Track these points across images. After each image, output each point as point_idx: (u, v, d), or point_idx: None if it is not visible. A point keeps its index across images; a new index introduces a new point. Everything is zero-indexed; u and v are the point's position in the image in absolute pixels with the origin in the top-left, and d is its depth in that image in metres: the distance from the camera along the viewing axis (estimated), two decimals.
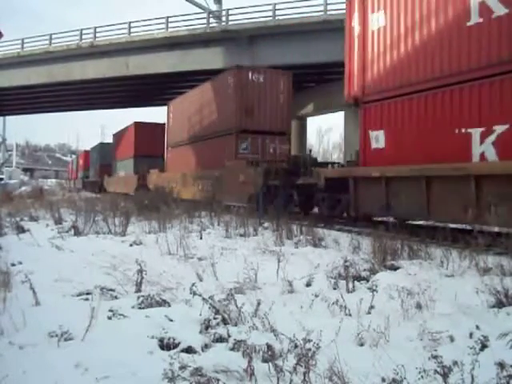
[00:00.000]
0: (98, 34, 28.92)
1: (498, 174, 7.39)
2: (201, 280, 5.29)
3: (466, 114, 8.14)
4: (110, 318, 3.86)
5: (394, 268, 5.86)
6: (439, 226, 7.91)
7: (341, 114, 27.93)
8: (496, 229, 7.30)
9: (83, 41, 29.21)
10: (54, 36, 30.54)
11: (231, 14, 25.97)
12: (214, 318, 3.70)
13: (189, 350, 3.25)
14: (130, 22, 27.89)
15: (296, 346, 2.90)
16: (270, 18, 24.08)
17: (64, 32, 31.01)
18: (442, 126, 8.58)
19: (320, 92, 26.85)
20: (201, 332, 3.59)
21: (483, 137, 7.83)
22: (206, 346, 3.34)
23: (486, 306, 4.21)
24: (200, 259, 6.69)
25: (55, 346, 3.29)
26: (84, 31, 29.49)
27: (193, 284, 4.06)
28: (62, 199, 18.99)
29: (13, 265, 5.79)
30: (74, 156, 75.76)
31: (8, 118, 53.19)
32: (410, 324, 3.79)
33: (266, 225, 10.90)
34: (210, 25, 26.22)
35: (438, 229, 7.53)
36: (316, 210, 13.43)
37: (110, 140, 42.46)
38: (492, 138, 7.70)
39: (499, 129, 7.59)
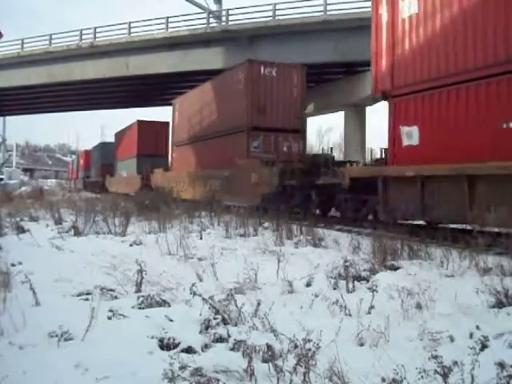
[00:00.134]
0: (98, 34, 28.92)
1: None
2: (201, 280, 5.29)
3: None
4: (109, 318, 3.86)
5: (394, 268, 5.86)
6: (439, 226, 7.90)
7: (341, 114, 27.95)
8: (496, 229, 7.29)
9: (83, 41, 29.20)
10: (53, 36, 30.55)
11: (231, 14, 25.98)
12: (214, 318, 3.70)
13: (189, 350, 3.25)
14: (130, 22, 27.89)
15: (296, 346, 2.90)
16: (270, 18, 24.08)
17: (64, 32, 31.08)
18: (486, 120, 7.88)
19: (320, 92, 26.83)
20: (201, 332, 3.59)
21: None
22: (206, 346, 3.34)
23: (486, 306, 4.21)
24: (200, 259, 6.69)
25: (55, 346, 3.29)
26: (84, 31, 29.51)
27: (193, 284, 4.06)
28: (61, 199, 18.98)
29: (13, 265, 5.79)
30: (73, 156, 75.74)
31: (8, 118, 53.23)
32: (410, 324, 3.79)
33: (265, 225, 10.90)
34: (210, 25, 26.22)
35: (438, 229, 7.53)
36: (333, 212, 12.94)
37: (109, 140, 42.37)
38: None
39: None
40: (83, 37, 29.35)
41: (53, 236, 8.96)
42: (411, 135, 9.37)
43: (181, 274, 5.64)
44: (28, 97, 36.25)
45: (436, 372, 2.47)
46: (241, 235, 9.63)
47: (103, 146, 41.30)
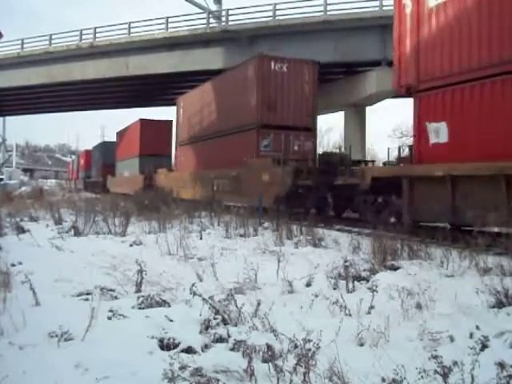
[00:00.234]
0: (97, 35, 28.93)
1: None
2: (201, 280, 5.30)
3: None
4: (109, 318, 3.86)
5: (394, 268, 5.86)
6: (439, 226, 7.89)
7: (341, 114, 27.92)
8: (496, 229, 7.29)
9: (83, 41, 29.22)
10: (53, 36, 30.56)
11: (231, 14, 25.98)
12: (214, 319, 3.70)
13: (189, 351, 3.25)
14: (130, 23, 27.90)
15: (296, 346, 2.91)
16: (271, 18, 24.08)
17: (64, 32, 31.11)
18: None
19: (320, 92, 26.71)
20: (201, 332, 3.59)
21: None
22: (206, 347, 3.34)
23: (486, 306, 4.21)
24: (200, 259, 6.69)
25: (55, 346, 3.29)
26: (84, 31, 29.53)
27: (193, 284, 4.06)
28: (61, 199, 18.97)
29: (13, 265, 5.79)
30: (73, 156, 75.71)
31: (8, 118, 53.15)
32: (410, 324, 3.79)
33: (265, 225, 10.91)
34: (210, 25, 26.22)
35: (438, 229, 7.53)
36: (347, 213, 12.50)
37: (110, 140, 42.18)
38: None
39: None
40: (83, 37, 29.38)
41: (53, 236, 8.96)
42: (439, 132, 8.85)
43: (181, 274, 5.65)
44: (28, 97, 36.26)
45: (436, 372, 2.47)
46: (241, 235, 9.63)
47: (104, 145, 40.91)
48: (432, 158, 8.96)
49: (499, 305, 4.17)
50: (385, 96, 23.91)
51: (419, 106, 9.36)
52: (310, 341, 2.76)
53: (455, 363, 2.47)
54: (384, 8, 21.44)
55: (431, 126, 9.03)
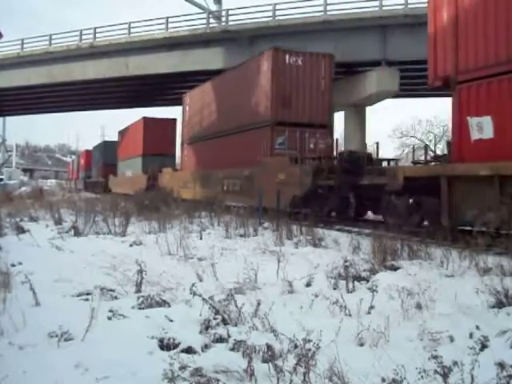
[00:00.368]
0: (97, 35, 28.93)
1: None
2: (201, 280, 5.29)
3: None
4: (109, 319, 3.86)
5: (394, 268, 5.86)
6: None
7: (341, 114, 27.92)
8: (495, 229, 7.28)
9: (83, 41, 29.22)
10: (53, 36, 30.57)
11: (231, 15, 25.99)
12: (214, 319, 3.70)
13: (189, 351, 3.25)
14: (130, 23, 27.90)
15: (296, 347, 2.90)
16: (271, 18, 24.09)
17: (64, 32, 31.12)
18: None
19: None
20: (201, 332, 3.59)
21: None
22: (205, 347, 3.34)
23: (486, 306, 4.21)
24: (200, 259, 6.69)
25: (55, 347, 3.29)
26: (84, 31, 29.54)
27: (193, 284, 4.06)
28: (61, 200, 18.97)
29: (13, 265, 5.79)
30: (73, 156, 75.68)
31: (8, 118, 53.19)
32: (410, 324, 3.79)
33: (265, 225, 10.91)
34: (210, 25, 26.23)
35: (438, 229, 7.52)
36: (367, 215, 11.90)
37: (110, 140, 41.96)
38: None
39: None
40: (83, 37, 29.38)
41: (53, 236, 8.96)
42: (482, 127, 8.15)
43: (181, 274, 5.65)
44: (28, 97, 36.26)
45: (436, 372, 2.47)
46: (241, 235, 9.64)
47: (106, 144, 40.21)
48: (475, 156, 8.26)
49: (499, 305, 4.17)
50: (385, 96, 23.94)
51: (459, 98, 8.56)
52: (309, 341, 2.76)
53: (455, 363, 2.47)
54: (384, 8, 21.48)
55: (473, 121, 8.33)
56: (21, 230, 9.34)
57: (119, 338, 3.37)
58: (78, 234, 9.43)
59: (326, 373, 2.67)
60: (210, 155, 19.02)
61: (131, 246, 8.17)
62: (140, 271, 4.83)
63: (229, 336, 3.42)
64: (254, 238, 9.30)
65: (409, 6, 20.82)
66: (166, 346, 3.32)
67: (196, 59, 25.62)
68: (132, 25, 27.84)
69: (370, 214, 12.33)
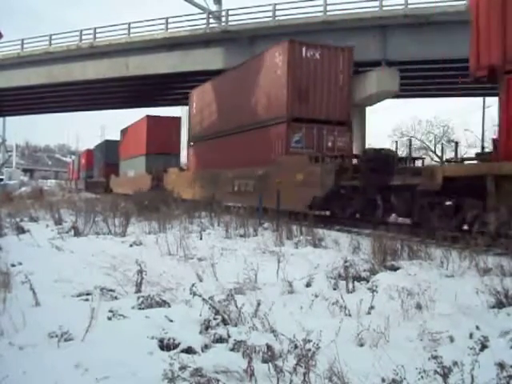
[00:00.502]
0: (97, 35, 28.91)
1: None
2: (201, 280, 5.29)
3: None
4: (109, 319, 3.86)
5: (394, 268, 5.86)
6: (438, 226, 7.85)
7: None
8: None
9: (83, 41, 29.20)
10: (53, 36, 30.54)
11: (231, 15, 25.96)
12: (214, 319, 3.70)
13: (189, 351, 3.25)
14: (130, 23, 27.86)
15: (296, 347, 2.91)
16: (271, 19, 24.08)
17: (64, 33, 31.09)
18: None
19: None
20: (201, 332, 3.59)
21: None
22: (206, 347, 3.34)
23: (486, 306, 4.21)
24: (200, 260, 6.69)
25: (55, 347, 3.29)
26: (84, 32, 29.50)
27: (193, 284, 4.06)
28: (61, 200, 18.97)
29: (13, 265, 5.79)
30: (73, 156, 75.67)
31: (8, 118, 53.16)
32: (410, 324, 3.79)
33: (265, 225, 10.91)
34: (210, 25, 26.22)
35: (438, 229, 7.52)
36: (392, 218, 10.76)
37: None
38: None
39: None
40: (83, 37, 29.36)
41: (53, 236, 8.96)
42: None
43: (181, 275, 5.64)
44: (28, 97, 36.25)
45: (436, 372, 2.47)
46: (241, 235, 9.64)
47: (108, 144, 39.49)
48: None
49: (499, 305, 4.17)
50: (385, 96, 23.89)
51: (507, 90, 7.69)
52: (309, 341, 2.76)
53: (455, 363, 2.47)
54: (384, 8, 21.46)
55: None
56: (21, 230, 9.34)
57: (119, 338, 3.37)
58: (78, 234, 9.43)
59: (326, 373, 2.67)
60: (218, 154, 18.25)
61: (131, 246, 8.16)
62: (140, 271, 4.83)
63: (229, 336, 3.42)
64: (254, 238, 9.30)
65: (409, 6, 20.81)
66: (166, 346, 3.32)
67: (196, 59, 25.61)
68: (132, 25, 27.82)
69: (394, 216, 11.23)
